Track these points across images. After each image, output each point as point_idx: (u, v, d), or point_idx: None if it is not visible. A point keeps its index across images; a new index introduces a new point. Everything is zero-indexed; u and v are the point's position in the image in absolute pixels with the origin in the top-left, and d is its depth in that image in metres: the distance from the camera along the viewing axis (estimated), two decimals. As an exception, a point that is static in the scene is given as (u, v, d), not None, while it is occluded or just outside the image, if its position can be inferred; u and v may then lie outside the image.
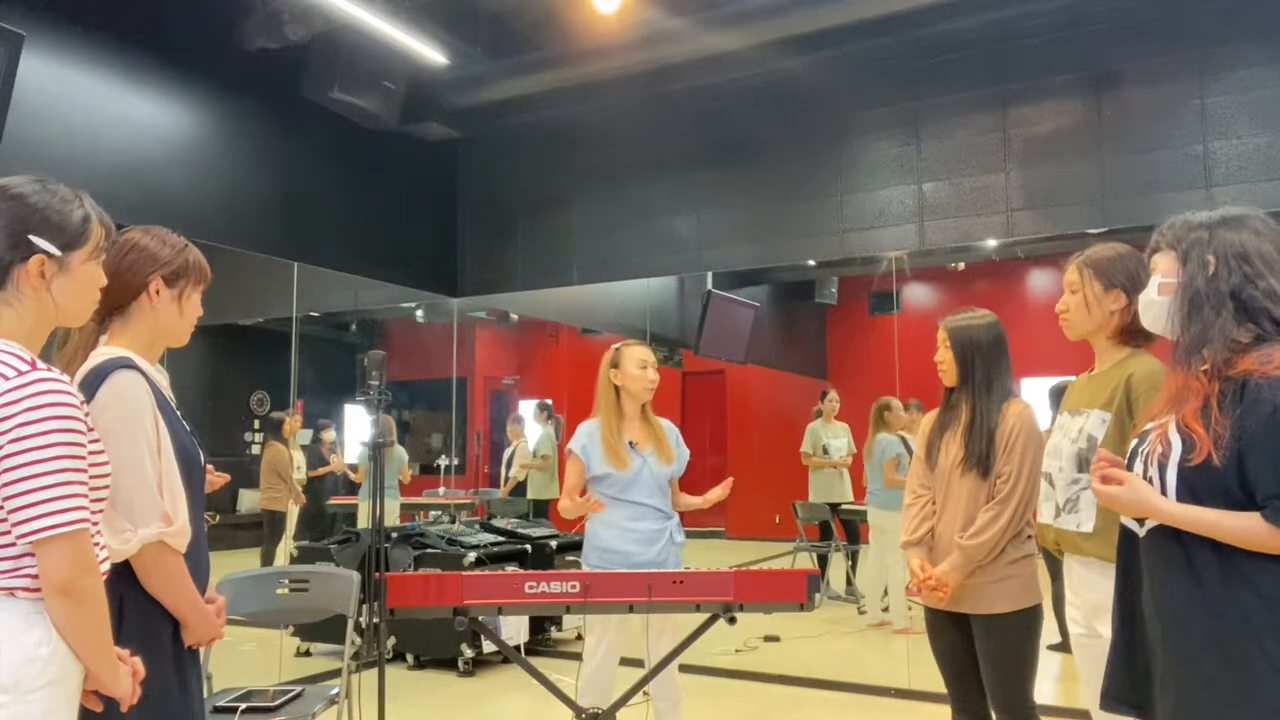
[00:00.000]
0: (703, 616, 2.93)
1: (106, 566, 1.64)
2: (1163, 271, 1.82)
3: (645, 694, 3.20)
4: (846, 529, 6.99)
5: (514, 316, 8.73)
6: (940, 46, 5.22)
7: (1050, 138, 4.99)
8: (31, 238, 1.59)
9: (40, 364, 1.55)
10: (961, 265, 6.54)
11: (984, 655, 2.75)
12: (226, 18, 5.06)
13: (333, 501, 7.80)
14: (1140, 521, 1.74)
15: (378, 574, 3.09)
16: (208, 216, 5.12)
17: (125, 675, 1.63)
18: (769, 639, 5.98)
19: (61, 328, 1.78)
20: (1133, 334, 2.41)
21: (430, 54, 5.38)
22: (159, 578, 1.88)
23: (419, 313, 7.58)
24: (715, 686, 5.21)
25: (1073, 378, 2.62)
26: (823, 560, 6.92)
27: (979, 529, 2.72)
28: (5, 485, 1.48)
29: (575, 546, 5.85)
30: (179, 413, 2.03)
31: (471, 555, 5.44)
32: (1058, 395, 2.73)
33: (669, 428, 3.49)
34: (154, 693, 1.76)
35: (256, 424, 7.48)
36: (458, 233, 6.78)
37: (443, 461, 7.90)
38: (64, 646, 1.52)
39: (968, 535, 2.73)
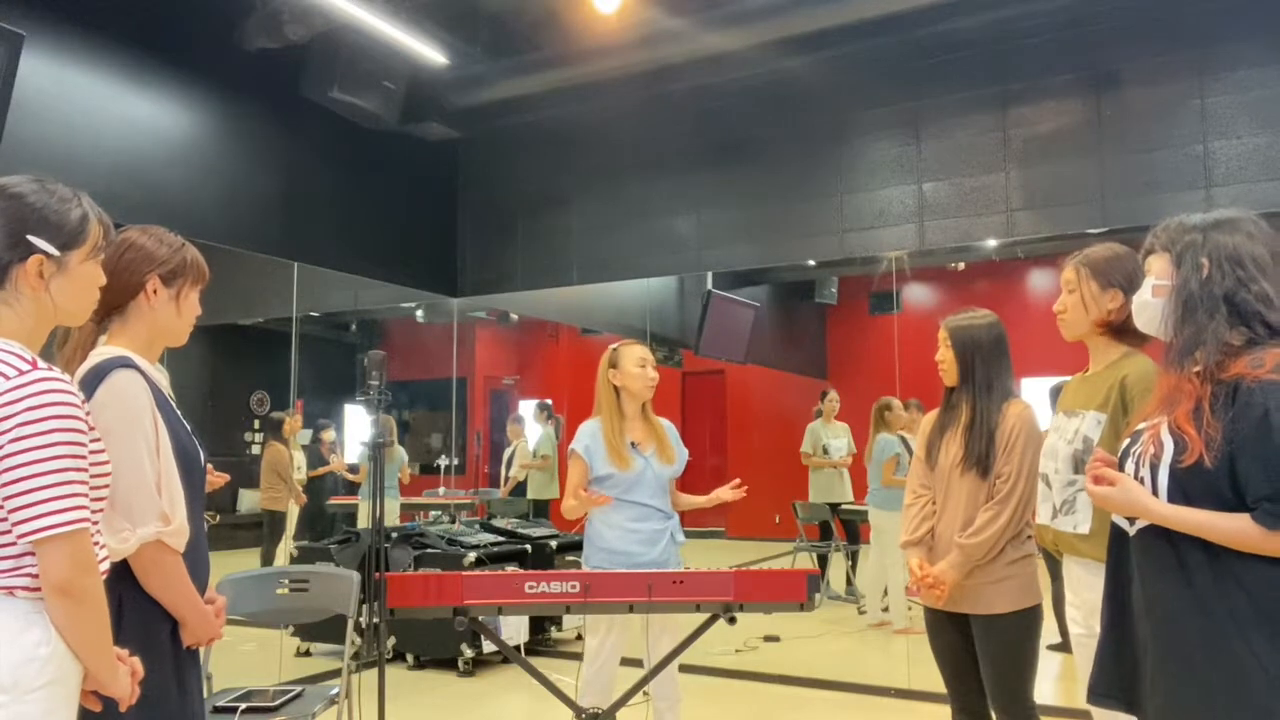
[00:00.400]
0: (703, 616, 2.93)
1: (106, 566, 1.64)
2: (1156, 273, 1.83)
3: (645, 694, 3.20)
4: (846, 529, 6.99)
5: (514, 316, 8.72)
6: (940, 46, 5.22)
7: (1050, 138, 4.99)
8: (30, 238, 1.59)
9: (41, 363, 1.55)
10: (961, 265, 6.53)
11: (984, 655, 2.75)
12: (226, 18, 5.06)
13: (333, 501, 7.80)
14: (1131, 520, 1.76)
15: (378, 574, 3.09)
16: (208, 216, 5.12)
17: (124, 675, 1.63)
18: (769, 639, 5.98)
19: (60, 327, 1.77)
20: (1128, 334, 2.41)
21: (430, 54, 5.38)
22: (157, 577, 1.88)
23: (419, 313, 7.57)
24: (715, 686, 5.21)
25: (1071, 378, 2.62)
26: (823, 560, 6.92)
27: (978, 528, 2.72)
28: (6, 484, 1.48)
29: (575, 546, 5.85)
30: (179, 412, 2.03)
31: (471, 555, 5.44)
32: (1058, 395, 2.73)
33: (669, 427, 3.49)
34: (153, 693, 1.76)
35: (256, 424, 7.47)
36: (458, 233, 6.78)
37: (443, 461, 7.89)
38: (63, 646, 1.52)
39: (967, 534, 2.73)
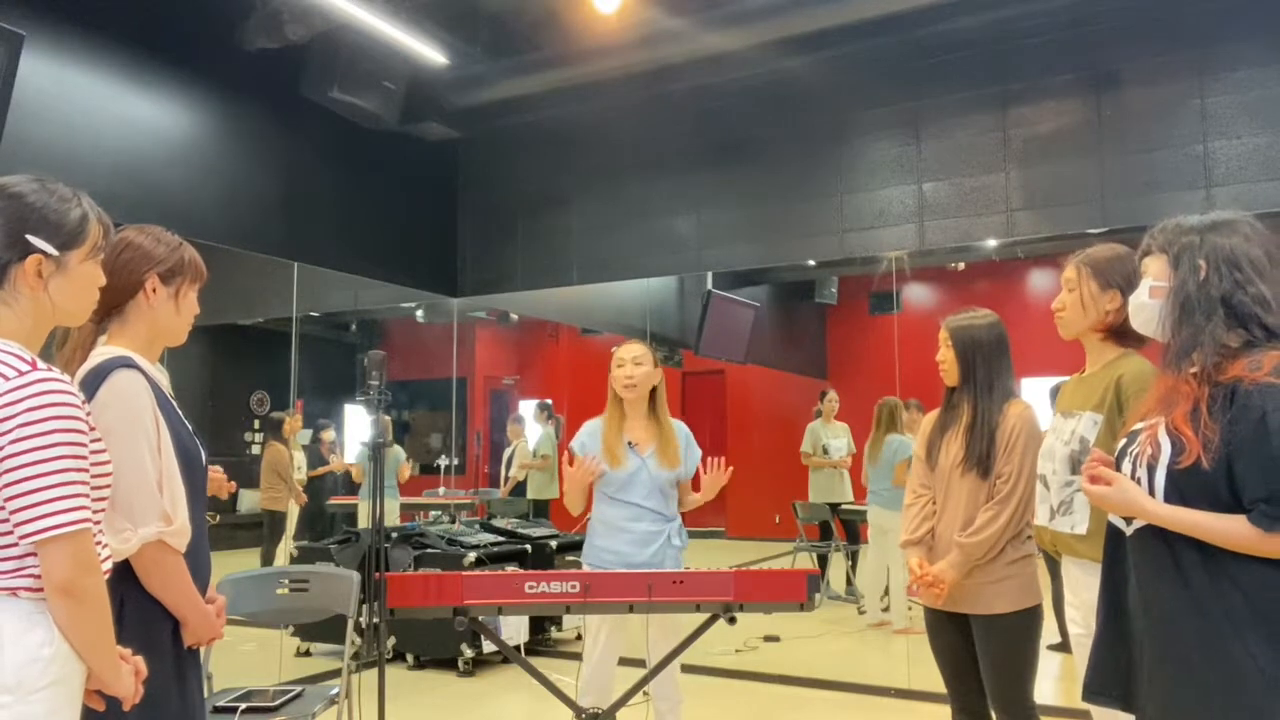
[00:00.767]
0: (703, 616, 2.93)
1: (108, 566, 1.64)
2: (1154, 275, 1.83)
3: (645, 694, 3.20)
4: (846, 529, 6.99)
5: (514, 316, 8.72)
6: (940, 46, 5.22)
7: (1050, 138, 4.99)
8: (29, 237, 1.59)
9: (41, 364, 1.54)
10: (961, 265, 6.53)
11: (984, 655, 2.75)
12: (226, 18, 5.06)
13: (333, 501, 7.80)
14: (1128, 520, 1.76)
15: (378, 574, 3.09)
16: (208, 216, 5.12)
17: (127, 674, 1.63)
18: (769, 639, 5.98)
19: (60, 327, 1.77)
20: (1125, 335, 2.42)
21: (430, 54, 5.38)
22: (159, 577, 1.88)
23: (419, 313, 7.57)
24: (715, 686, 5.21)
25: (1069, 378, 2.62)
26: (823, 560, 6.93)
27: (978, 528, 2.72)
28: (7, 486, 1.48)
29: (575, 546, 5.85)
30: (180, 412, 2.03)
31: (471, 555, 5.44)
32: (1057, 395, 2.74)
33: (680, 430, 3.44)
34: (155, 693, 1.76)
35: (256, 424, 7.47)
36: (458, 233, 6.78)
37: (443, 461, 7.90)
38: (67, 647, 1.52)
39: (967, 534, 2.73)
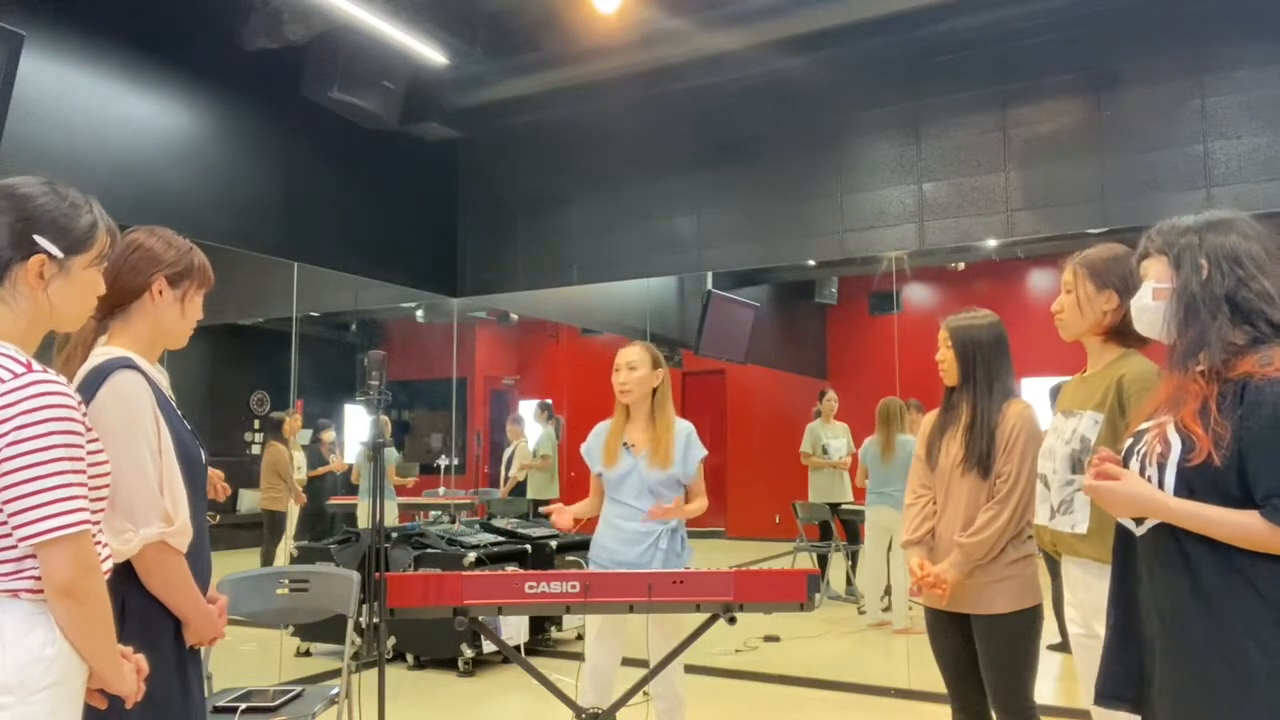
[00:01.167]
0: (703, 616, 2.93)
1: (108, 566, 1.64)
2: (1155, 277, 1.82)
3: (645, 694, 3.20)
4: (846, 529, 6.99)
5: (514, 316, 8.72)
6: (940, 46, 5.22)
7: (1050, 138, 4.99)
8: (36, 238, 1.59)
9: (36, 365, 1.54)
10: (961, 265, 6.53)
11: (984, 655, 2.75)
12: (226, 18, 5.06)
13: (333, 501, 7.80)
14: (1138, 521, 1.75)
15: (378, 574, 3.09)
16: (208, 217, 5.12)
17: (129, 673, 1.63)
18: (769, 639, 5.98)
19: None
20: (1124, 335, 2.41)
21: (430, 54, 5.38)
22: (160, 578, 1.88)
23: (419, 313, 7.57)
24: (715, 686, 5.21)
25: (1070, 378, 2.62)
26: (823, 560, 6.92)
27: (978, 528, 2.72)
28: (5, 489, 1.48)
29: (575, 546, 5.86)
30: (180, 413, 2.03)
31: (471, 555, 5.44)
32: (1057, 395, 2.74)
33: (680, 431, 3.41)
34: (156, 692, 1.77)
35: (256, 424, 7.47)
36: (458, 233, 6.78)
37: (443, 461, 7.89)
38: (68, 647, 1.53)
39: (967, 534, 2.73)
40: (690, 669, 5.10)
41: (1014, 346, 2.89)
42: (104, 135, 4.65)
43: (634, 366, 3.37)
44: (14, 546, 1.50)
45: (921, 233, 5.30)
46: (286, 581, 3.44)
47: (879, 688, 5.05)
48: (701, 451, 3.42)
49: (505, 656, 4.91)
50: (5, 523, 1.49)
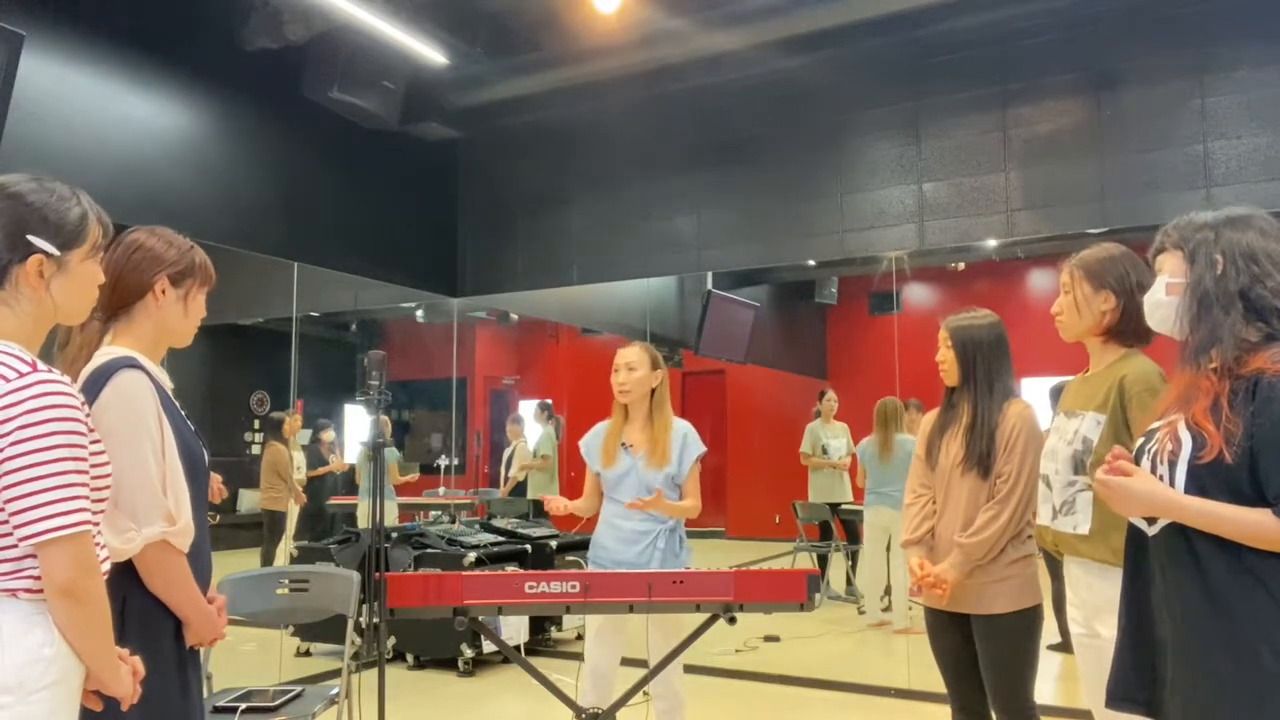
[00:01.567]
0: (703, 616, 2.93)
1: (107, 566, 1.64)
2: (1169, 272, 1.81)
3: (645, 694, 3.20)
4: (846, 529, 6.99)
5: (514, 316, 8.73)
6: (940, 46, 5.22)
7: (1050, 138, 4.99)
8: (30, 238, 1.59)
9: (40, 365, 1.54)
10: (961, 265, 6.53)
11: (984, 655, 2.75)
12: (226, 18, 5.06)
13: (333, 501, 7.80)
14: (1150, 521, 1.74)
15: (378, 574, 3.09)
16: (208, 217, 5.12)
17: (126, 675, 1.63)
18: (769, 639, 5.98)
19: (63, 327, 1.77)
20: (1124, 335, 2.41)
21: (430, 54, 5.38)
22: (161, 577, 1.88)
23: (419, 313, 7.57)
24: (715, 686, 5.21)
25: (1072, 378, 2.62)
26: (823, 560, 6.92)
27: (979, 528, 2.72)
28: (7, 488, 1.48)
29: (575, 546, 5.86)
30: (183, 413, 2.03)
31: (471, 555, 5.44)
32: (1058, 395, 2.73)
33: (678, 431, 3.40)
34: (155, 692, 1.77)
35: (256, 424, 7.48)
36: (458, 233, 6.78)
37: (443, 461, 7.89)
38: (66, 647, 1.53)
39: (967, 534, 2.73)
40: (690, 669, 5.11)
41: (1014, 346, 2.89)
42: (104, 135, 4.65)
43: (633, 367, 3.37)
44: (14, 546, 1.50)
45: (921, 233, 5.30)
46: (286, 581, 3.44)
47: (879, 688, 5.05)
48: (698, 449, 3.39)
49: (505, 656, 4.91)
50: (5, 522, 1.49)
